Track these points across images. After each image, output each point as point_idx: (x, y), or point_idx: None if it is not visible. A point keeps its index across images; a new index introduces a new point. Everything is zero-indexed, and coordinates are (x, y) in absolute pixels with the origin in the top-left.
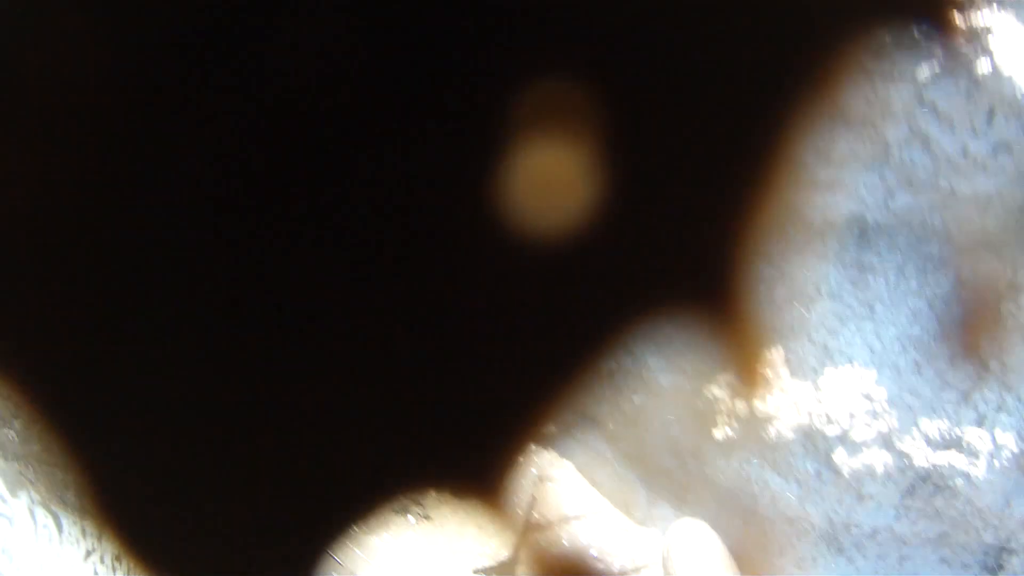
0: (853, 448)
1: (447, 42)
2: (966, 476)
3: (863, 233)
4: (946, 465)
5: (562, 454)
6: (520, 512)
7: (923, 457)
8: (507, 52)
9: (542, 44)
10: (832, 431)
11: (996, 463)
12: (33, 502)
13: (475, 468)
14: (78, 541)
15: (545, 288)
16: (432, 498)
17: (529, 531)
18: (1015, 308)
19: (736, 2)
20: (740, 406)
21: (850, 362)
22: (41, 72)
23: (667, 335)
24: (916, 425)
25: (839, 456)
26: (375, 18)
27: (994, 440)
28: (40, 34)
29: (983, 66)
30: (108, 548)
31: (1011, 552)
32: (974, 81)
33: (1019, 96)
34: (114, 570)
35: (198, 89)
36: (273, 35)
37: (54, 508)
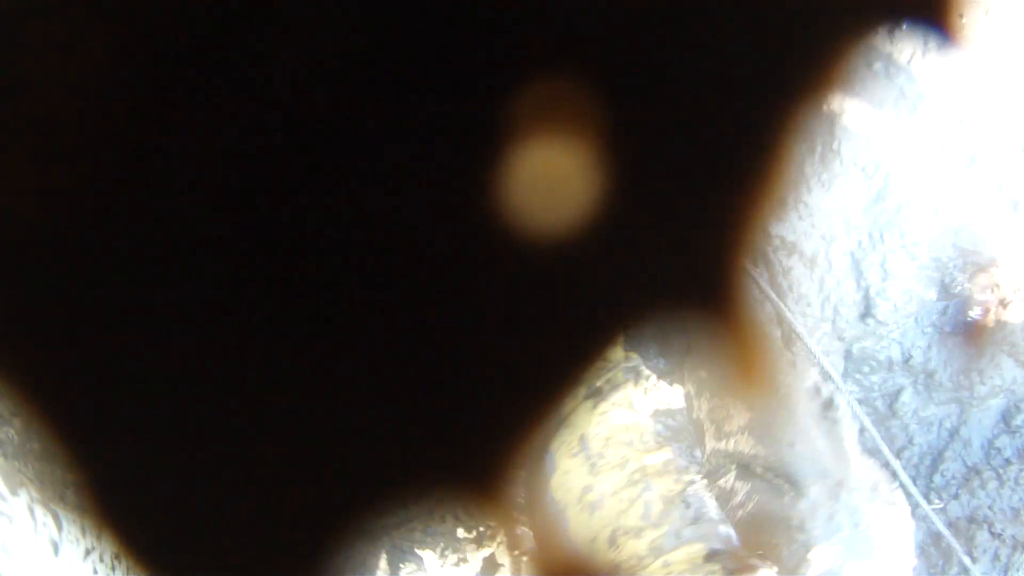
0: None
1: (446, 41)
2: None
3: (862, 232)
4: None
5: (562, 452)
6: (520, 512)
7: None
8: (507, 52)
9: (542, 44)
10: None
11: None
12: (33, 500)
13: (474, 468)
14: (77, 540)
15: (542, 288)
16: (433, 498)
17: (530, 530)
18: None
19: (735, 2)
20: (739, 405)
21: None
22: (40, 72)
23: (665, 334)
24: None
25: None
26: (374, 18)
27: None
28: (39, 34)
29: (982, 64)
30: (107, 547)
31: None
32: (972, 79)
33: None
34: (113, 569)
35: (198, 88)
36: (274, 35)
37: (53, 507)
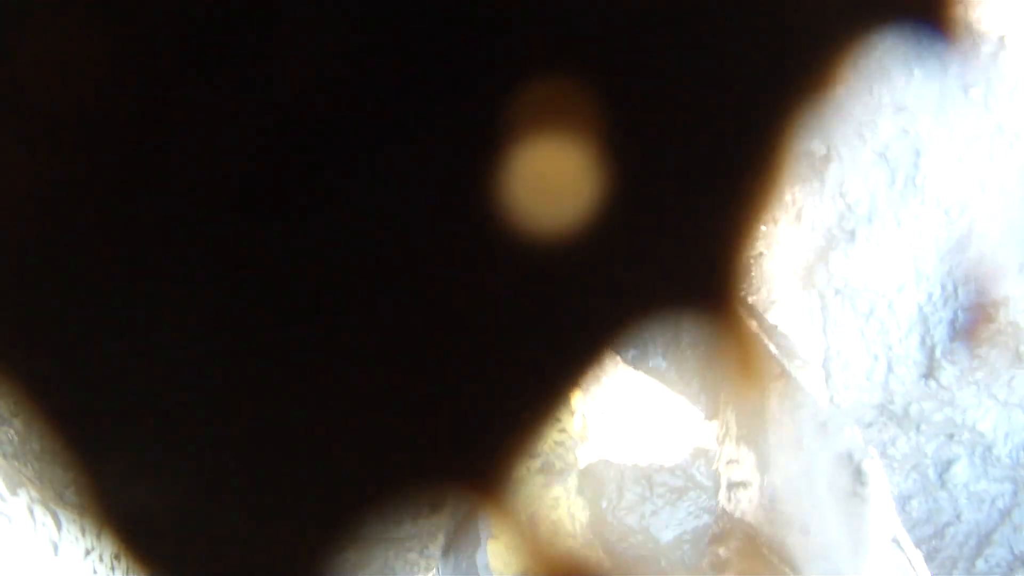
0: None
1: (446, 41)
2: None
3: (860, 232)
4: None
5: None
6: (520, 511)
7: (924, 440)
8: (507, 52)
9: (542, 44)
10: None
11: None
12: (32, 500)
13: (476, 468)
14: (77, 539)
15: (543, 287)
16: (433, 499)
17: (530, 530)
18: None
19: (735, 2)
20: (741, 401)
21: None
22: (40, 71)
23: (666, 333)
24: (920, 409)
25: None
26: (374, 18)
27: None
28: (39, 34)
29: (983, 64)
30: (107, 547)
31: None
32: (973, 78)
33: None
34: (113, 569)
35: (199, 88)
36: (273, 35)
37: (53, 506)
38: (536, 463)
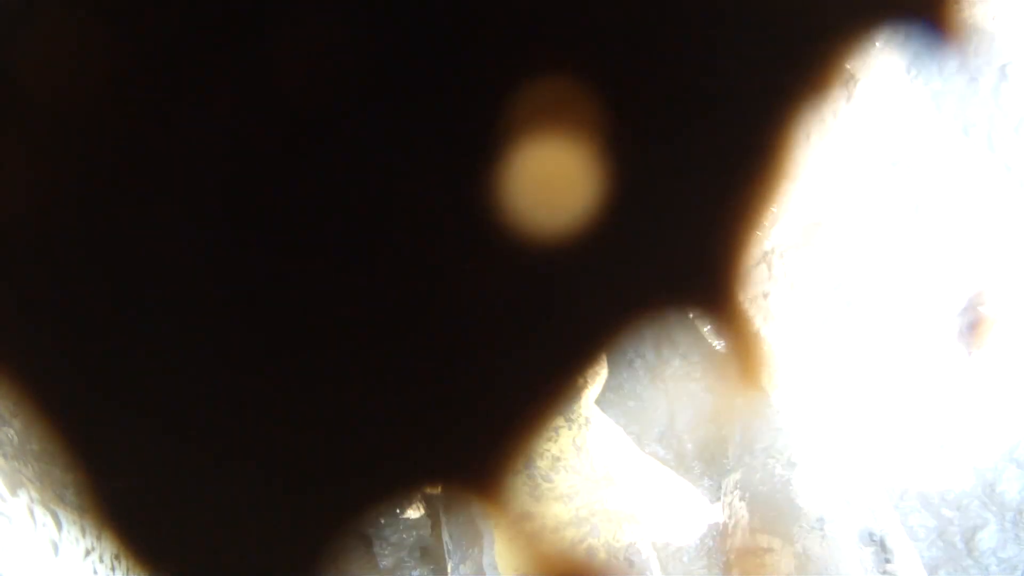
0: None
1: (445, 41)
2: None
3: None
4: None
5: (562, 451)
6: (520, 511)
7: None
8: (507, 52)
9: (542, 44)
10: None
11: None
12: (32, 501)
13: (475, 466)
14: (77, 540)
15: (544, 287)
16: (432, 498)
17: (529, 529)
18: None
19: (735, 3)
20: (744, 399)
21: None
22: (41, 71)
23: (667, 332)
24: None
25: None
26: (375, 18)
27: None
28: (40, 33)
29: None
30: (107, 547)
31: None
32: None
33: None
34: (113, 569)
35: (198, 88)
36: (273, 35)
37: (53, 507)
38: (537, 463)
